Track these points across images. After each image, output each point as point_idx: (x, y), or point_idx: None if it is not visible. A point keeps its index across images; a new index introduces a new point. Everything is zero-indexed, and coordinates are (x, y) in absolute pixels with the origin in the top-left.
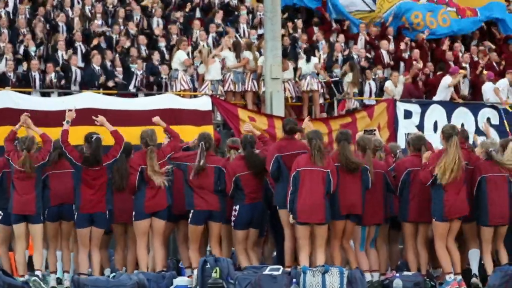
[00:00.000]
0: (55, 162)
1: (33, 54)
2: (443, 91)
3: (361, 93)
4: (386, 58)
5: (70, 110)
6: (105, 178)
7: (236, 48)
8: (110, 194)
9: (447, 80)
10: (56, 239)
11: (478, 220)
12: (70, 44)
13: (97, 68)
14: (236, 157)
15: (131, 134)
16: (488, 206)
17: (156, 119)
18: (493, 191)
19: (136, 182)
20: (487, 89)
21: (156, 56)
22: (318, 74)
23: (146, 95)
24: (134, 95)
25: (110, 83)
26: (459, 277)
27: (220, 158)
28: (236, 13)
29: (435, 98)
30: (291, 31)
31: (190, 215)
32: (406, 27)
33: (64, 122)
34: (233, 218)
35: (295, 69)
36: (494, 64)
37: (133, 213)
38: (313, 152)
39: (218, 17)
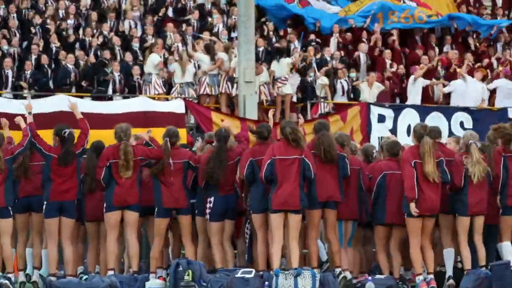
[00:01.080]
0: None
1: (5, 52)
2: (412, 89)
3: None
4: (363, 60)
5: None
6: (75, 167)
7: (210, 50)
8: (79, 184)
9: (411, 79)
10: (24, 232)
11: (457, 211)
12: (45, 44)
13: (70, 67)
14: (208, 150)
15: (104, 137)
16: (468, 197)
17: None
18: (472, 183)
19: (102, 176)
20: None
21: (128, 57)
22: (291, 70)
23: (123, 97)
24: (109, 98)
25: (84, 83)
26: (431, 276)
27: (186, 151)
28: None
29: (408, 101)
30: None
31: (156, 209)
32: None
33: (26, 114)
34: (208, 211)
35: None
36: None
37: (104, 205)
38: (287, 137)
39: (194, 18)
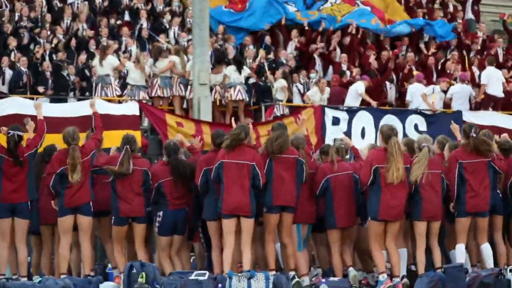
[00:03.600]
0: None
1: None
2: (354, 99)
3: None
4: (318, 62)
5: None
6: (26, 168)
7: (161, 53)
8: (34, 185)
9: (358, 86)
10: None
11: (412, 215)
12: (4, 47)
13: (24, 70)
14: (158, 162)
15: (59, 141)
16: (422, 202)
17: (91, 103)
18: (426, 187)
19: (52, 183)
20: (414, 90)
21: (81, 60)
22: (248, 79)
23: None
24: (63, 100)
25: (40, 89)
26: (397, 279)
27: (145, 160)
28: (162, 19)
29: (346, 104)
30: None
31: (113, 217)
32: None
33: None
34: (157, 224)
35: None
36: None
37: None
38: (231, 140)
39: (144, 20)
